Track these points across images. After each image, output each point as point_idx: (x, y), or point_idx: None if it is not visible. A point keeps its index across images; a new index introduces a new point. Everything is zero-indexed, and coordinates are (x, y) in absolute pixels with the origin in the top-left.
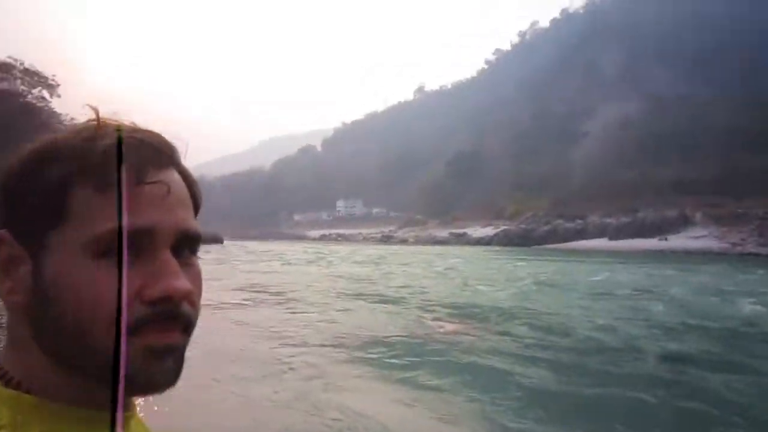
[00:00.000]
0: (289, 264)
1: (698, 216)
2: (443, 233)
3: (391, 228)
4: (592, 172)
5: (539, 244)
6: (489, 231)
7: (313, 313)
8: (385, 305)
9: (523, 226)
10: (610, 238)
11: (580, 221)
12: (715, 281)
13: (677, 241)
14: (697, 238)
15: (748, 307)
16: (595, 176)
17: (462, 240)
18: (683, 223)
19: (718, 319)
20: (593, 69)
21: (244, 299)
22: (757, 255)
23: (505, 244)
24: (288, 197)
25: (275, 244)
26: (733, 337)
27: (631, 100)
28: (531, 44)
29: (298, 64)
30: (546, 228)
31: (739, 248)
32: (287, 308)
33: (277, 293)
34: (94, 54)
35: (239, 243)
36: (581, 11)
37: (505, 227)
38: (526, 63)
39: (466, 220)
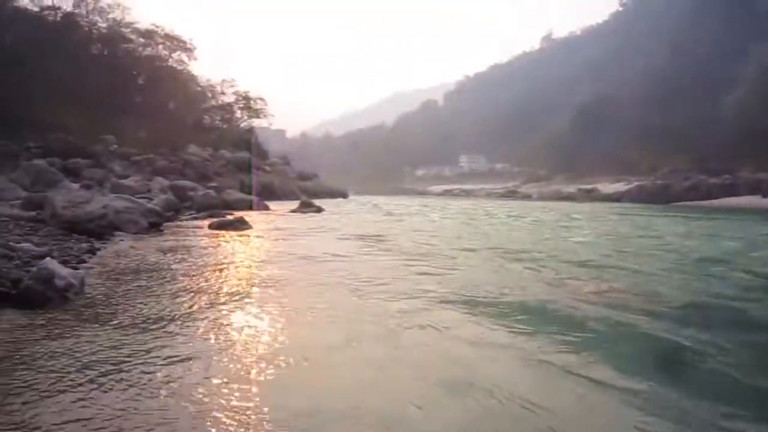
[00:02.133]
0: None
1: None
2: (570, 188)
3: (515, 183)
4: (741, 122)
5: (677, 200)
6: (620, 186)
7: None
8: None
9: (659, 181)
10: (765, 195)
11: (727, 176)
12: None
13: None
14: None
15: None
16: (745, 126)
17: (590, 196)
18: None
19: None
20: (742, 2)
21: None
22: None
23: (639, 201)
24: (410, 152)
25: (399, 199)
26: None
27: None
28: None
29: (420, 16)
30: (686, 184)
31: None
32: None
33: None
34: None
35: (365, 198)
36: None
37: (639, 182)
38: (665, 2)
39: (593, 175)
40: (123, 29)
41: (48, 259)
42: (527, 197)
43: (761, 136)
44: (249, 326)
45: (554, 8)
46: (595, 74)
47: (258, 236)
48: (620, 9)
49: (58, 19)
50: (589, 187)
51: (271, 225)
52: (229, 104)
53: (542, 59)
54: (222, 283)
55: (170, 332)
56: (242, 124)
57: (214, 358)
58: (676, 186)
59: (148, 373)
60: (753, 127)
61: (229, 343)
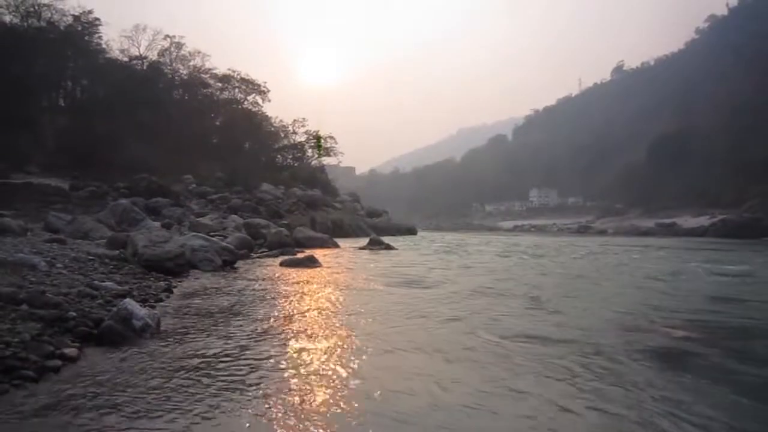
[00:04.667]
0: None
1: None
2: (647, 223)
3: (588, 218)
4: None
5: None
6: (703, 221)
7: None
8: None
9: (747, 214)
10: None
11: None
12: None
13: None
14: None
15: None
16: None
17: (670, 231)
18: None
19: None
20: None
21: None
22: None
23: (724, 236)
24: (479, 188)
25: (469, 235)
26: None
27: None
28: (754, 4)
29: (486, 53)
30: None
31: None
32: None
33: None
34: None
35: (434, 234)
36: None
37: (724, 216)
38: (747, 27)
39: (671, 208)
40: (202, 75)
41: (128, 299)
42: (602, 233)
43: None
44: (318, 378)
45: (622, 38)
46: (672, 105)
47: (327, 275)
48: (696, 37)
49: (145, 68)
50: (668, 221)
51: (340, 263)
52: (301, 143)
53: (614, 91)
54: (290, 326)
55: (237, 380)
56: (313, 162)
57: (279, 413)
58: (766, 220)
59: (212, 421)
60: None
61: (296, 399)
